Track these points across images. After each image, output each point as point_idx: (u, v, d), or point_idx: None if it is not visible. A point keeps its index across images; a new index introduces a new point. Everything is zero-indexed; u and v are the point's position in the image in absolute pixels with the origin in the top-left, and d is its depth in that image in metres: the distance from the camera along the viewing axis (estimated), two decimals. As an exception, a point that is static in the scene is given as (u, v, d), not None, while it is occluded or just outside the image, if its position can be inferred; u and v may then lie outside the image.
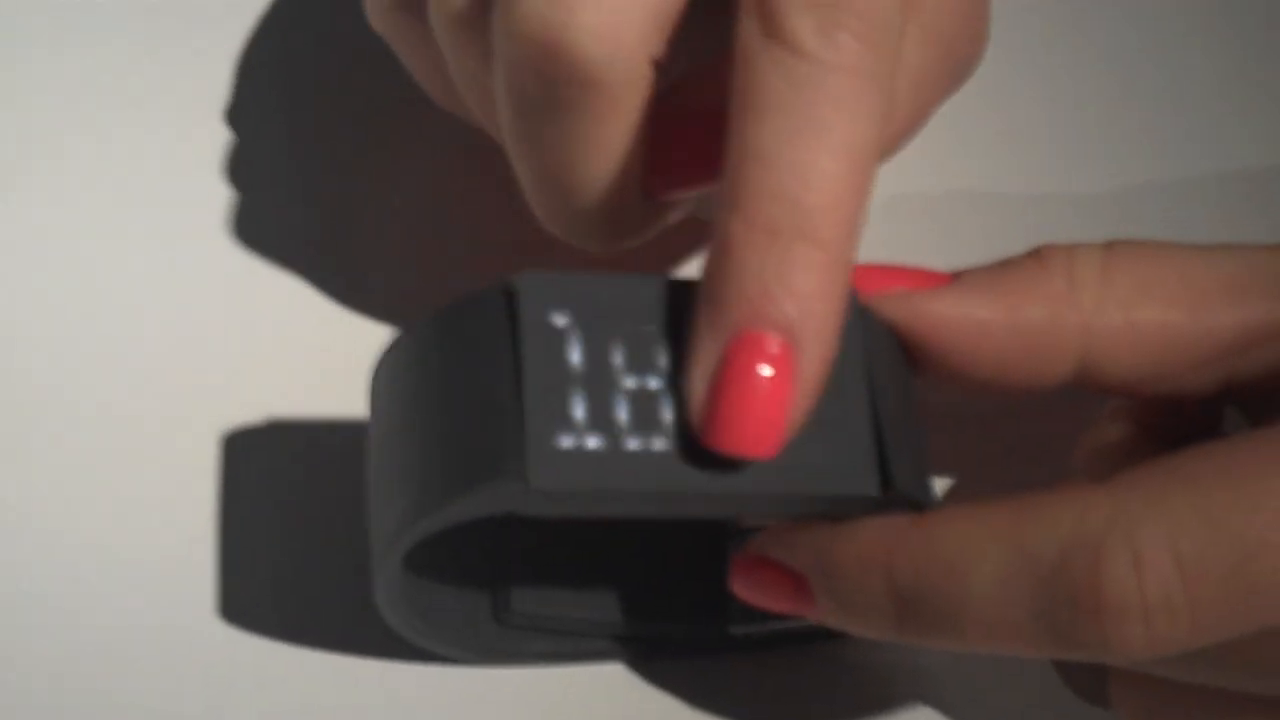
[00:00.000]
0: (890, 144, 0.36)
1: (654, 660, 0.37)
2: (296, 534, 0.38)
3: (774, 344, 0.31)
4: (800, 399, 0.31)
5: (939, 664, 0.37)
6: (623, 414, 0.31)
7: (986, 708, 0.37)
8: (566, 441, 0.30)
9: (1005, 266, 0.34)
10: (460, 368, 0.32)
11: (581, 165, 0.34)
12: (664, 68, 0.34)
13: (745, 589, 0.34)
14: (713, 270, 0.31)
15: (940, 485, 0.38)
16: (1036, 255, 0.34)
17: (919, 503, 0.32)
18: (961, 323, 0.33)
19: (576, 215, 0.35)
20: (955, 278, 0.34)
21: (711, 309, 0.31)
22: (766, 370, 0.31)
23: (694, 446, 0.31)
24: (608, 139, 0.34)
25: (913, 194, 0.42)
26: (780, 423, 0.31)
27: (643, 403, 0.31)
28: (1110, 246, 0.34)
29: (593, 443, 0.31)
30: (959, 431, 0.39)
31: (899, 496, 0.31)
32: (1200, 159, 0.43)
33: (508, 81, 0.34)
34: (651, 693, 0.37)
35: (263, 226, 0.41)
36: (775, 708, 0.37)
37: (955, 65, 0.36)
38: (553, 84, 0.33)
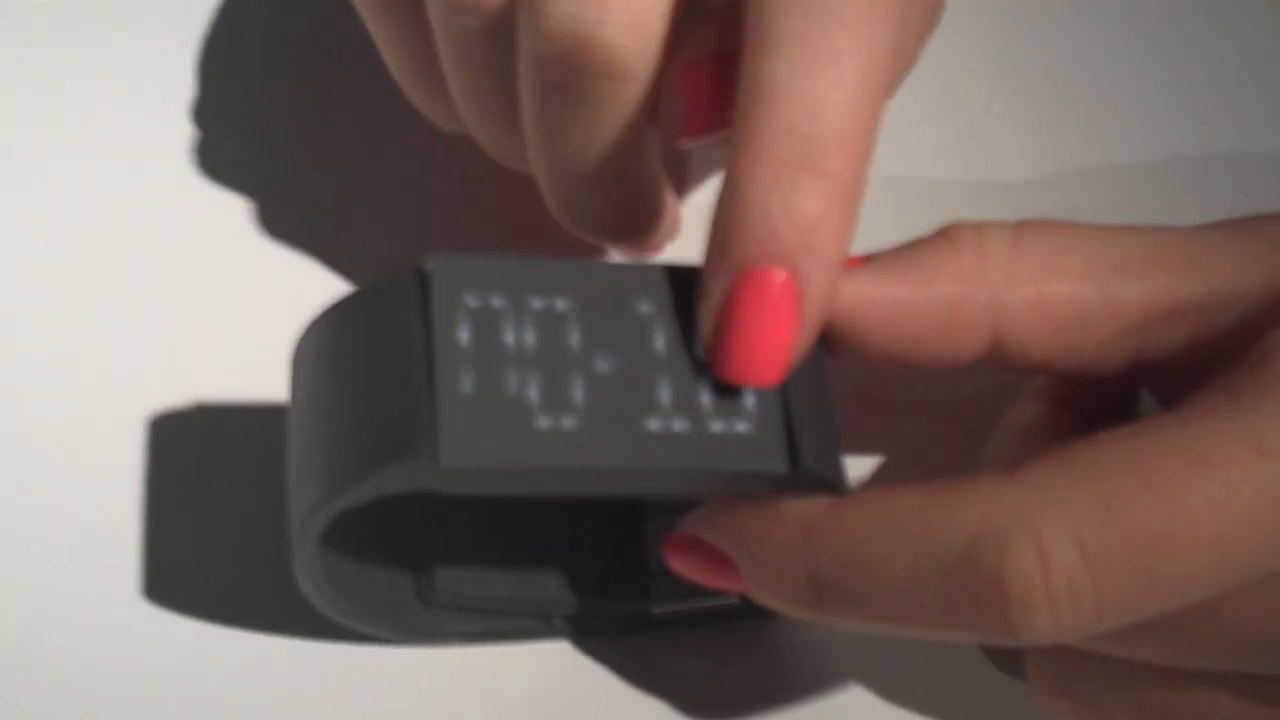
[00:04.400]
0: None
1: (578, 639, 0.37)
2: (222, 514, 0.38)
3: (777, 278, 0.32)
4: (805, 328, 0.32)
5: (859, 640, 0.37)
6: (534, 393, 0.31)
7: (905, 681, 0.37)
8: (478, 420, 0.31)
9: (915, 246, 0.34)
10: (375, 348, 0.32)
11: (609, 153, 0.35)
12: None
13: (679, 566, 0.34)
14: (721, 208, 0.32)
15: (902, 470, 0.39)
16: (946, 233, 0.34)
17: (828, 481, 0.32)
18: (875, 302, 0.34)
19: (598, 206, 0.36)
20: (867, 260, 0.34)
21: (717, 246, 0.32)
22: (770, 306, 0.32)
23: (603, 425, 0.31)
24: (631, 125, 0.35)
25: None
26: (783, 353, 0.32)
27: (555, 382, 0.31)
28: (1020, 224, 0.34)
29: (504, 421, 0.31)
30: (924, 417, 0.39)
31: (807, 474, 0.32)
32: (1108, 147, 0.43)
33: (536, 78, 0.34)
34: (577, 671, 0.37)
35: (187, 211, 0.41)
36: (699, 685, 0.37)
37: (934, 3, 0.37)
38: (584, 78, 0.34)
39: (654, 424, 0.31)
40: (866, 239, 0.35)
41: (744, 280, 0.32)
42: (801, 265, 0.32)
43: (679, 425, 0.32)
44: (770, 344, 0.32)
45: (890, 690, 0.37)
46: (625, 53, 0.34)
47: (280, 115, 0.43)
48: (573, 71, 0.34)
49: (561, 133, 0.35)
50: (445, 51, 0.36)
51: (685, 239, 0.41)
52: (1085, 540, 0.30)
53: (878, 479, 0.39)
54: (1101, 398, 0.36)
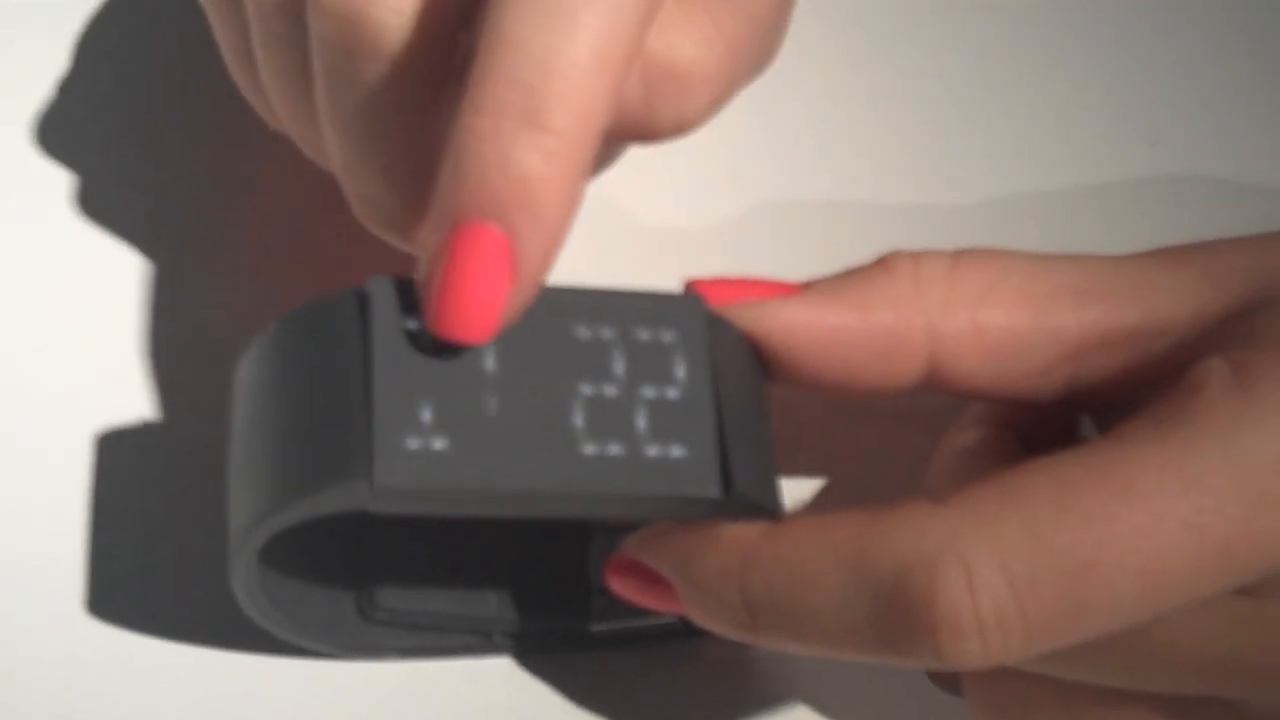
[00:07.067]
0: (692, 99, 0.35)
1: (519, 656, 0.37)
2: (166, 531, 0.38)
3: (492, 235, 0.31)
4: (520, 288, 0.31)
5: (798, 659, 0.37)
6: (470, 415, 0.31)
7: (845, 700, 0.37)
8: (413, 442, 0.31)
9: (853, 273, 0.34)
10: (312, 368, 0.32)
11: (392, 139, 0.34)
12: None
13: (619, 588, 0.35)
14: (445, 159, 0.31)
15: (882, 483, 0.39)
16: (883, 262, 0.34)
17: (761, 506, 0.32)
18: (812, 329, 0.34)
19: (389, 199, 0.35)
20: (805, 287, 0.34)
21: (437, 198, 0.31)
22: (482, 263, 0.31)
23: (539, 448, 0.32)
24: (414, 109, 0.34)
25: (769, 207, 0.43)
26: (495, 312, 0.31)
27: (490, 405, 0.32)
28: (957, 253, 0.34)
29: (439, 444, 0.31)
30: (911, 429, 0.40)
31: (740, 499, 0.32)
32: (1056, 170, 0.44)
33: (318, 57, 0.34)
34: (516, 687, 0.37)
35: (133, 229, 0.42)
36: (638, 701, 0.37)
37: (762, 46, 0.36)
38: (357, 58, 0.33)
39: (589, 447, 0.32)
40: (806, 265, 0.35)
41: (458, 235, 0.31)
42: (516, 223, 0.31)
43: (614, 449, 0.32)
44: (483, 302, 0.31)
45: (829, 708, 0.37)
46: (397, 31, 0.33)
47: (212, 132, 0.43)
48: (346, 51, 0.33)
49: (345, 117, 0.34)
50: (253, 32, 0.36)
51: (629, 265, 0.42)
52: (1013, 568, 0.30)
53: (856, 492, 0.39)
54: (1041, 420, 0.36)
